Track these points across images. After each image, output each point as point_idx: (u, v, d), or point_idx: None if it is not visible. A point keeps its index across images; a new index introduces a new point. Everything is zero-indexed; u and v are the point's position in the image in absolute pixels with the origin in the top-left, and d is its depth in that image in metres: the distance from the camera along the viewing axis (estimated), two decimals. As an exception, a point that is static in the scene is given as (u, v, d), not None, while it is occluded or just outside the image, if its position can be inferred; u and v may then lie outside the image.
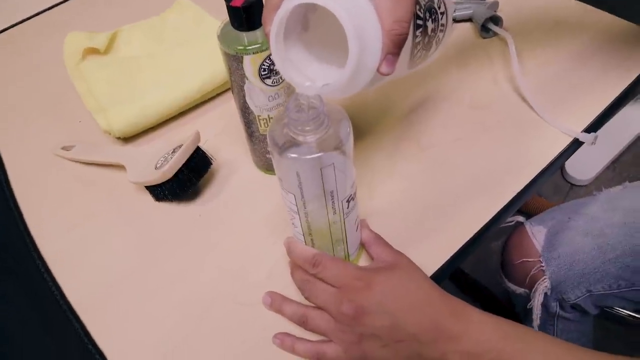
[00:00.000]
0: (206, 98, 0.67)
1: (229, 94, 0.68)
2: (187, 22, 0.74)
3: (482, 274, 1.10)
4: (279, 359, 0.45)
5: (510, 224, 0.76)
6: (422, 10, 0.41)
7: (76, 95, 0.68)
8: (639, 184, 0.72)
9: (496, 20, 0.70)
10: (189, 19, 0.75)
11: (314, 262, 0.44)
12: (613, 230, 0.66)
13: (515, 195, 0.54)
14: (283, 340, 0.46)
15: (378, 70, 0.37)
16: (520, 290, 0.73)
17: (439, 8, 0.45)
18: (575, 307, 0.71)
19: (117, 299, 0.50)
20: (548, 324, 0.75)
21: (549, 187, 1.45)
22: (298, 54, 0.40)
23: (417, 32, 0.41)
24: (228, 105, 0.67)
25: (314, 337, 0.46)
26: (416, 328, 0.41)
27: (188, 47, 0.69)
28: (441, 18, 0.45)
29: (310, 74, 0.39)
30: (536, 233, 0.70)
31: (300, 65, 0.39)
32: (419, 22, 0.41)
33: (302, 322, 0.45)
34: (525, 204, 1.37)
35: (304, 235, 0.45)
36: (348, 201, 0.43)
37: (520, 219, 0.74)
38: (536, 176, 0.56)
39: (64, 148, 0.63)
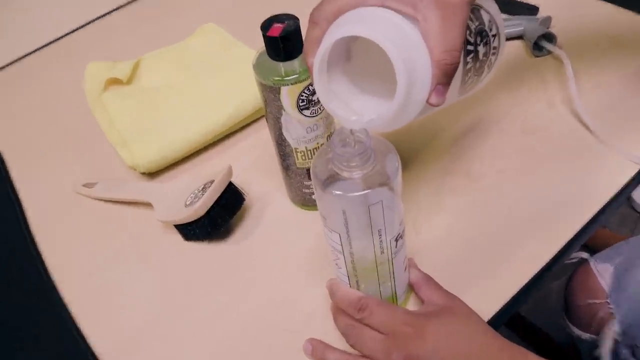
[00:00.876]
0: (236, 128, 0.71)
1: (260, 123, 0.71)
2: (213, 47, 0.79)
3: (541, 317, 1.09)
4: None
5: (573, 260, 0.77)
6: (472, 35, 0.44)
7: (98, 129, 0.72)
8: None
9: (550, 37, 0.72)
10: (215, 44, 0.79)
11: (360, 306, 0.46)
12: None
13: (578, 232, 0.55)
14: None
15: (428, 101, 0.39)
16: (585, 335, 0.74)
17: (491, 30, 0.47)
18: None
19: (146, 348, 0.53)
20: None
21: (615, 218, 1.45)
22: (341, 86, 0.43)
23: (468, 59, 0.44)
24: (260, 135, 0.70)
25: (360, 388, 0.47)
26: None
27: (215, 74, 0.73)
28: (493, 41, 0.48)
29: (355, 107, 0.41)
30: (602, 271, 0.71)
31: (344, 98, 0.42)
32: (470, 47, 0.44)
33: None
34: (591, 239, 1.37)
35: (348, 276, 0.47)
36: (396, 240, 0.45)
37: (584, 255, 0.75)
38: (601, 209, 0.57)
39: (85, 185, 0.67)
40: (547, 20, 0.75)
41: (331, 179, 0.41)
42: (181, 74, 0.76)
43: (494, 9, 0.48)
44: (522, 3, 0.79)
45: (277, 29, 0.49)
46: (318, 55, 0.39)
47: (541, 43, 0.72)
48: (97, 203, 0.66)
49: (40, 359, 0.55)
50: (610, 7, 0.78)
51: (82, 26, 0.93)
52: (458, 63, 0.39)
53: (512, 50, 0.75)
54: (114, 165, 0.69)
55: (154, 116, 0.70)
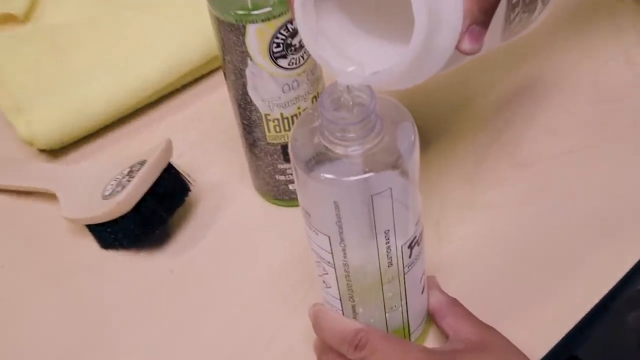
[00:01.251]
0: (177, 87, 0.73)
1: (215, 79, 0.74)
2: None
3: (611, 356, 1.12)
4: None
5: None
6: None
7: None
8: None
9: None
10: None
11: (358, 342, 0.47)
12: None
13: None
14: None
15: (458, 47, 0.41)
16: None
17: None
18: None
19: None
20: None
21: None
22: (335, 24, 0.44)
23: None
24: (213, 97, 0.72)
25: None
26: None
27: (147, 7, 0.75)
28: None
29: (354, 54, 0.43)
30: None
31: (338, 41, 0.43)
32: None
33: None
34: None
35: (341, 299, 0.49)
36: (411, 247, 0.46)
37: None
38: None
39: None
40: None
41: (319, 159, 0.42)
42: (98, 6, 0.78)
43: None
44: None
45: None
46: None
47: None
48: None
49: None
50: None
51: None
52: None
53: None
54: (4, 139, 0.71)
55: (59, 69, 0.71)
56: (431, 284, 0.54)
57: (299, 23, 0.42)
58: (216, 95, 0.71)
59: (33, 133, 0.67)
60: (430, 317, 0.53)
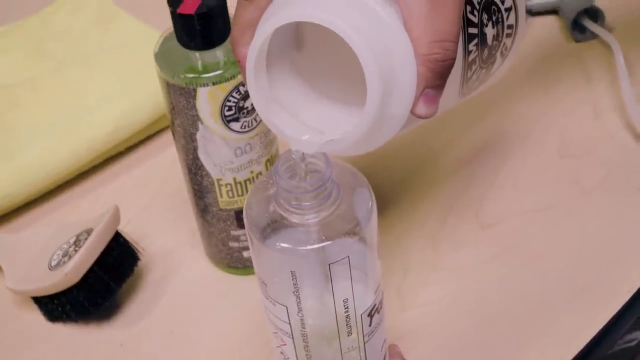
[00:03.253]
0: (122, 148, 0.75)
1: (163, 139, 0.76)
2: (86, 23, 0.84)
3: None
4: None
5: (631, 344, 0.84)
6: (476, 12, 0.50)
7: None
8: None
9: (594, 14, 0.80)
10: (89, 18, 0.84)
11: None
12: None
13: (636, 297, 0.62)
14: None
15: (413, 112, 0.45)
16: None
17: (503, 3, 0.53)
18: None
19: None
20: None
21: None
22: (288, 89, 0.47)
23: (471, 46, 0.50)
24: (160, 159, 0.75)
25: None
26: None
27: (89, 64, 0.78)
28: (507, 17, 0.54)
29: (308, 120, 0.46)
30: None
31: (291, 107, 0.47)
32: (472, 30, 0.50)
33: None
34: None
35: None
36: (371, 315, 0.49)
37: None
38: None
39: None
40: None
41: (274, 227, 0.45)
42: (40, 64, 0.80)
43: None
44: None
45: (192, 3, 0.53)
46: (253, 45, 0.44)
47: (583, 22, 0.80)
48: None
49: None
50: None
51: None
52: (454, 58, 0.44)
53: (543, 31, 0.83)
54: None
55: (1, 130, 0.74)
56: (393, 352, 0.57)
57: (251, 88, 0.45)
58: (164, 157, 0.74)
59: None
60: None
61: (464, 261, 0.65)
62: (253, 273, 0.50)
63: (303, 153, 0.45)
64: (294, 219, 0.45)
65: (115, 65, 0.76)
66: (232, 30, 0.47)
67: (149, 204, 0.72)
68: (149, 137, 0.77)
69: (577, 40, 0.81)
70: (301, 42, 0.48)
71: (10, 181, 0.70)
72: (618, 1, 0.83)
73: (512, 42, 0.56)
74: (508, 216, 0.68)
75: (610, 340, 0.62)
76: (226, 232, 0.63)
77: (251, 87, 0.45)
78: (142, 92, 0.73)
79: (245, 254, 0.64)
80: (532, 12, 0.83)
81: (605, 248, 0.65)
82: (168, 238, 0.69)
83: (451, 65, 0.45)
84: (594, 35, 0.80)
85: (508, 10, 0.54)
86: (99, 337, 0.63)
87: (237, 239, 0.63)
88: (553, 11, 0.84)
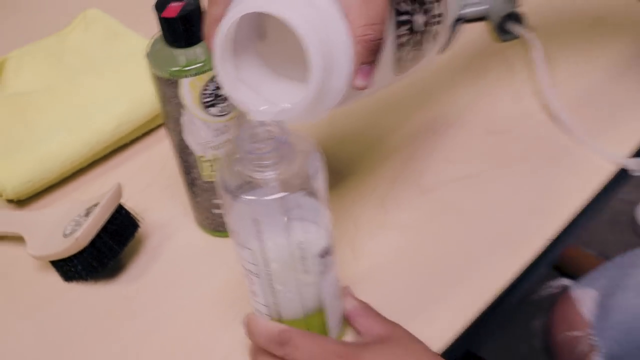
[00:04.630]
0: (127, 141, 0.76)
1: (159, 134, 0.77)
2: (95, 40, 0.85)
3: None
4: None
5: (553, 291, 0.85)
6: (407, 2, 0.51)
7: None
8: None
9: (518, 18, 0.81)
10: (98, 35, 0.85)
11: (282, 340, 0.51)
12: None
13: (548, 244, 0.63)
14: None
15: (352, 84, 0.46)
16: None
17: (432, 5, 0.54)
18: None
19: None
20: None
21: (616, 245, 1.55)
22: (252, 71, 0.49)
23: (403, 30, 0.51)
24: (158, 148, 0.76)
25: None
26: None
27: (100, 72, 0.79)
28: (435, 7, 0.55)
29: (267, 95, 0.48)
30: (584, 298, 0.80)
31: (255, 85, 0.48)
32: (403, 17, 0.51)
33: None
34: (575, 265, 1.47)
35: (267, 306, 0.53)
36: (323, 256, 0.50)
37: (566, 282, 0.83)
38: (576, 218, 0.65)
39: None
40: None
41: (240, 186, 0.47)
42: (57, 74, 0.81)
43: None
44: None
45: (174, 8, 0.55)
46: (219, 35, 0.45)
47: (507, 25, 0.81)
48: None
49: None
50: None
51: None
52: (381, 37, 0.45)
53: (474, 34, 0.84)
54: None
55: (23, 128, 0.75)
56: (346, 292, 0.58)
57: (219, 74, 0.46)
58: (161, 147, 0.75)
59: (1, 186, 0.69)
60: (346, 319, 0.57)
61: (407, 220, 0.66)
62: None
63: (262, 122, 0.46)
64: (256, 175, 0.45)
65: (119, 73, 0.77)
66: (203, 26, 0.48)
67: (149, 185, 0.72)
68: (149, 132, 0.78)
69: (502, 41, 0.82)
70: (264, 33, 0.49)
71: (31, 169, 0.70)
72: (539, 6, 0.85)
73: (442, 28, 0.57)
74: (443, 183, 0.69)
75: (529, 281, 0.63)
76: (209, 201, 0.64)
77: (218, 69, 0.47)
78: (141, 94, 0.74)
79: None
80: (465, 20, 0.85)
81: (523, 207, 0.67)
82: (164, 210, 0.70)
83: (381, 44, 0.46)
84: (517, 36, 0.81)
85: (436, 1, 0.55)
86: (106, 292, 0.64)
87: (219, 206, 0.64)
88: (482, 18, 0.85)
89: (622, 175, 0.69)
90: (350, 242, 0.65)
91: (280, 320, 0.54)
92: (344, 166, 0.71)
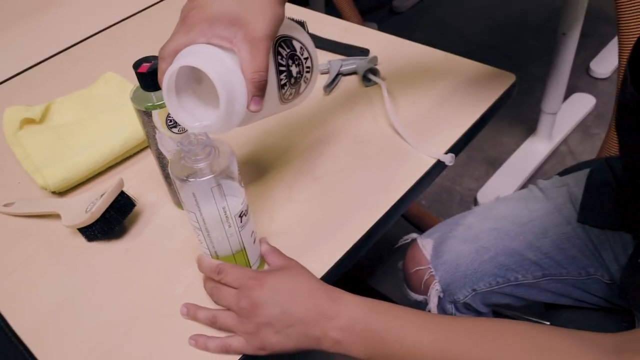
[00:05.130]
0: (129, 154, 0.77)
1: (148, 150, 0.77)
2: (111, 92, 0.85)
3: (394, 292, 1.20)
4: (199, 358, 0.54)
5: (407, 241, 0.87)
6: (284, 59, 0.53)
7: (15, 161, 0.77)
8: (508, 197, 0.85)
9: (374, 71, 0.84)
10: (112, 89, 0.85)
11: (218, 270, 0.54)
12: (486, 235, 0.79)
13: (390, 208, 0.66)
14: (197, 340, 0.54)
15: (248, 108, 0.48)
16: (420, 297, 0.84)
17: (302, 54, 0.56)
18: (468, 307, 0.82)
19: (57, 322, 0.58)
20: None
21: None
22: (191, 102, 0.51)
23: (282, 76, 0.53)
24: (149, 160, 0.76)
25: (225, 334, 0.55)
26: (302, 313, 0.51)
27: (111, 112, 0.79)
28: (306, 62, 0.57)
29: (198, 116, 0.50)
30: (425, 245, 0.82)
31: (191, 111, 0.50)
32: (282, 68, 0.53)
33: (213, 323, 0.54)
34: (424, 223, 1.49)
35: (209, 249, 0.55)
36: (240, 216, 0.53)
37: (414, 235, 0.85)
38: (407, 192, 0.67)
39: (5, 205, 0.71)
40: (374, 59, 0.86)
41: (184, 173, 0.49)
42: (85, 113, 0.81)
43: (305, 39, 0.56)
44: (357, 47, 0.91)
45: (145, 67, 0.56)
46: (164, 80, 0.47)
47: (368, 75, 0.83)
48: (16, 218, 0.71)
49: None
50: (424, 47, 0.90)
51: (2, 82, 0.97)
52: (265, 79, 0.48)
53: (349, 84, 0.85)
54: (29, 188, 0.74)
55: (61, 146, 0.75)
56: (263, 241, 0.60)
57: (166, 101, 0.49)
58: (150, 159, 0.76)
59: (46, 183, 0.70)
60: (262, 258, 0.60)
61: (304, 197, 0.68)
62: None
63: (195, 133, 0.48)
64: (194, 166, 0.48)
65: (125, 111, 0.78)
66: (158, 76, 0.50)
67: (143, 181, 0.73)
68: (143, 149, 0.78)
69: (366, 86, 0.84)
70: (200, 79, 0.51)
71: (66, 172, 0.71)
72: (389, 63, 0.87)
73: (311, 75, 0.58)
74: (327, 173, 0.71)
75: (379, 230, 0.65)
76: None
77: (166, 101, 0.49)
78: (138, 125, 0.74)
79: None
80: (342, 74, 0.86)
81: (375, 187, 0.69)
82: (151, 195, 0.71)
83: (264, 84, 0.48)
84: (375, 83, 0.83)
85: (306, 58, 0.56)
86: (113, 247, 0.66)
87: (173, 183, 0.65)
88: (354, 72, 0.87)
89: (439, 165, 0.71)
90: (268, 212, 0.66)
91: (217, 257, 0.56)
92: (265, 165, 0.73)
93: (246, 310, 0.51)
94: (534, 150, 1.77)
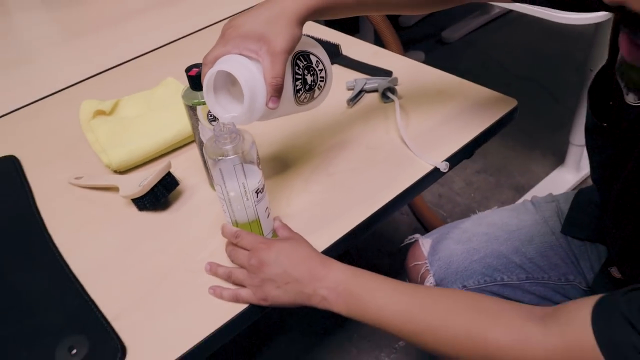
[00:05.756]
0: (178, 146, 0.90)
1: (194, 145, 0.89)
2: (169, 94, 0.99)
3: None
4: (215, 304, 0.66)
5: (411, 240, 0.97)
6: (300, 69, 0.66)
7: (87, 144, 0.92)
8: (503, 208, 0.94)
9: (393, 90, 0.95)
10: (171, 91, 0.99)
11: (236, 235, 0.66)
12: (477, 238, 0.88)
13: (388, 202, 0.76)
14: (215, 290, 0.67)
15: (267, 105, 0.61)
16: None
17: (317, 66, 0.68)
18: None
19: (107, 270, 0.72)
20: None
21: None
22: (225, 99, 0.64)
23: (297, 83, 0.65)
24: (193, 152, 0.89)
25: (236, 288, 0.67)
26: (298, 274, 0.63)
27: (168, 110, 0.93)
28: (320, 73, 0.69)
29: (229, 110, 0.63)
30: (425, 243, 0.92)
31: (225, 106, 0.63)
32: (298, 76, 0.65)
33: (228, 277, 0.67)
34: (430, 224, 1.58)
35: (230, 217, 0.67)
36: (257, 192, 0.65)
37: (417, 236, 0.95)
38: (405, 190, 0.78)
39: (76, 178, 0.86)
40: (395, 79, 0.98)
41: (216, 154, 0.62)
42: (145, 109, 0.95)
43: (322, 55, 0.69)
44: (381, 69, 1.02)
45: (194, 71, 0.70)
46: (205, 81, 0.61)
47: (387, 93, 0.95)
48: (84, 189, 0.86)
49: (34, 278, 0.73)
50: (442, 73, 1.01)
51: (82, 80, 1.14)
52: (281, 84, 0.60)
53: (370, 99, 0.96)
54: (97, 166, 0.88)
55: (124, 134, 0.89)
56: (277, 218, 0.71)
57: (205, 98, 0.62)
58: (195, 150, 0.88)
59: (110, 162, 0.84)
60: (274, 231, 0.71)
61: (318, 189, 0.79)
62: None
63: (224, 122, 0.61)
64: (223, 147, 0.60)
65: (178, 111, 0.90)
66: (202, 78, 0.63)
67: (188, 167, 0.85)
68: (191, 142, 0.90)
69: (384, 102, 0.94)
70: (234, 82, 0.64)
71: (126, 155, 0.84)
72: (409, 84, 0.97)
73: (325, 84, 0.70)
74: (340, 172, 0.81)
75: (378, 220, 0.76)
76: None
77: (205, 98, 0.61)
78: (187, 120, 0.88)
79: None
80: (365, 91, 0.98)
81: (380, 185, 0.79)
82: (193, 179, 0.83)
83: (280, 87, 0.60)
84: (392, 100, 0.94)
85: (321, 70, 0.68)
86: (159, 216, 0.78)
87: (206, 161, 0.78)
88: (375, 90, 0.98)
89: (436, 172, 0.81)
90: (286, 198, 0.77)
91: (236, 224, 0.67)
92: (288, 161, 0.84)
93: (254, 267, 0.64)
94: (561, 180, 1.83)
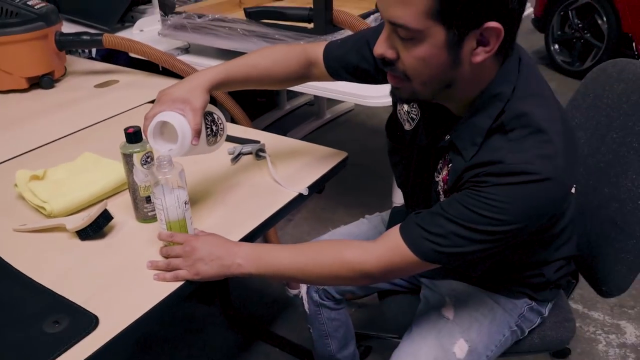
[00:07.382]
0: (108, 195, 1.12)
1: (123, 193, 1.14)
2: (90, 162, 1.21)
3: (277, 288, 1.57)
4: (161, 285, 0.91)
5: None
6: (208, 122, 0.97)
7: (24, 203, 1.12)
8: (349, 225, 1.30)
9: (263, 150, 1.29)
10: (90, 161, 1.22)
11: (171, 235, 0.93)
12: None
13: (268, 217, 1.06)
14: (158, 275, 0.91)
15: (191, 143, 0.92)
16: (295, 291, 1.24)
17: (218, 121, 1.00)
18: (327, 294, 1.23)
19: (73, 276, 0.93)
20: (317, 314, 1.25)
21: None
22: (162, 140, 0.93)
23: (208, 130, 0.96)
24: (123, 198, 1.12)
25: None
26: (219, 252, 0.91)
27: (95, 171, 1.15)
28: (220, 125, 1.00)
29: (165, 147, 0.92)
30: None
31: (161, 144, 0.93)
32: (207, 126, 0.96)
33: (168, 266, 0.91)
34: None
35: (165, 222, 0.93)
36: (185, 203, 0.92)
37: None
38: (279, 210, 1.09)
39: (21, 225, 1.05)
40: (262, 145, 1.31)
41: (159, 180, 0.90)
42: (74, 173, 1.17)
43: (221, 115, 1.01)
44: (251, 140, 1.36)
45: (131, 129, 0.98)
46: (149, 129, 0.90)
47: (259, 153, 1.28)
48: (29, 233, 1.05)
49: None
50: (294, 140, 1.38)
51: (17, 156, 1.33)
52: (199, 129, 0.91)
53: (246, 159, 1.28)
54: (37, 218, 1.08)
55: (63, 188, 1.09)
56: (195, 229, 0.99)
57: (150, 141, 0.91)
58: (125, 197, 1.13)
59: (53, 210, 1.03)
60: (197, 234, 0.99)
61: (220, 213, 1.09)
62: (154, 221, 0.93)
63: (163, 155, 0.90)
64: (162, 171, 0.89)
65: (105, 169, 1.16)
66: (143, 129, 0.93)
67: (118, 209, 1.07)
68: (119, 192, 1.14)
69: (257, 159, 1.29)
70: (164, 130, 0.93)
71: (66, 203, 1.04)
72: (275, 146, 1.34)
73: (222, 134, 1.01)
74: (233, 202, 1.13)
75: (264, 230, 1.07)
76: (143, 205, 1.02)
77: (150, 141, 0.90)
78: (111, 176, 1.13)
79: (150, 213, 1.01)
80: (243, 154, 1.31)
81: (262, 207, 1.09)
82: (123, 214, 1.06)
83: (200, 131, 0.90)
84: (263, 156, 1.28)
85: (220, 123, 0.99)
86: (100, 242, 1.01)
87: (146, 208, 1.02)
88: (250, 153, 1.31)
89: (300, 197, 1.14)
90: (199, 218, 1.05)
91: (169, 225, 0.92)
92: (199, 197, 1.14)
93: (188, 252, 0.90)
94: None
